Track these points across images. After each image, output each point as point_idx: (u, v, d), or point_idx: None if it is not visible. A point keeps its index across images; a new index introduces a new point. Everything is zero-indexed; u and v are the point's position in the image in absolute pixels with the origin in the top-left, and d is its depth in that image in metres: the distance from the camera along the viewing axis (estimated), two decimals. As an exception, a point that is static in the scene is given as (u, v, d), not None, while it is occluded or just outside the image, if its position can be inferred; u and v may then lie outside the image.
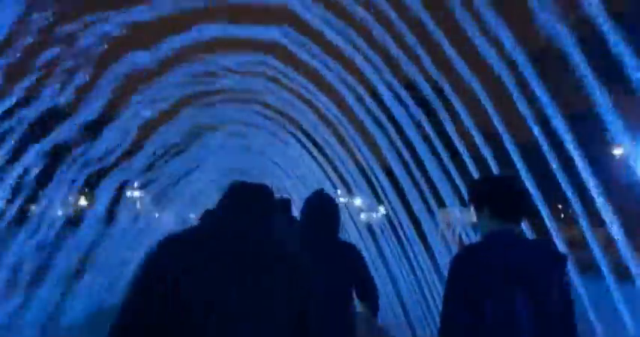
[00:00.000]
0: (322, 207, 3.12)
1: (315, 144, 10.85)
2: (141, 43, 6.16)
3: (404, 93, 6.55)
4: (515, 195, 2.15)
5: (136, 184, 13.85)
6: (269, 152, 13.12)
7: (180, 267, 1.73)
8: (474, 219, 2.22)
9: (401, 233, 9.03)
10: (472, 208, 2.22)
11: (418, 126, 6.57)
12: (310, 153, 11.18)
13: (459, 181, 6.32)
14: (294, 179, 13.21)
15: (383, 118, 7.55)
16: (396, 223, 9.11)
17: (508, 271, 1.94)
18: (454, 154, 6.28)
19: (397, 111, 6.73)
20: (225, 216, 1.91)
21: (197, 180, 13.83)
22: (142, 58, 6.26)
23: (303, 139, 11.07)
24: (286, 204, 6.04)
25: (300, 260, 1.91)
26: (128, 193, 12.98)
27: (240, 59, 7.71)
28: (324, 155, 10.78)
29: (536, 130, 4.62)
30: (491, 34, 4.52)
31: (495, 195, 2.15)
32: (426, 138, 6.59)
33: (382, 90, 6.69)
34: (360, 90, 7.37)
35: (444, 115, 5.94)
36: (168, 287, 1.69)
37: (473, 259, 2.03)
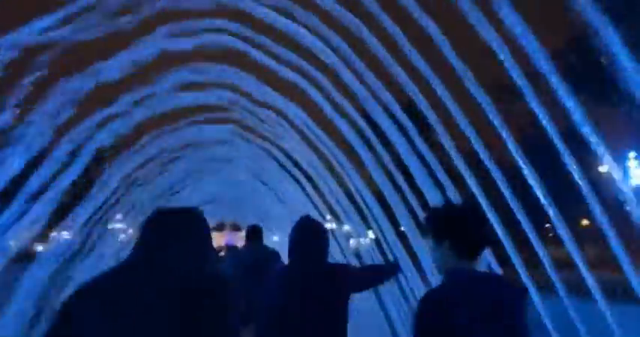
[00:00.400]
0: (310, 232, 3.04)
1: (299, 167, 10.03)
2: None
3: (396, 110, 5.76)
4: (480, 229, 1.96)
5: (118, 216, 12.94)
6: (250, 177, 12.25)
7: (87, 311, 1.66)
8: (432, 251, 2.01)
9: (391, 258, 8.29)
10: (430, 240, 2.01)
11: (412, 144, 5.81)
12: (293, 177, 10.36)
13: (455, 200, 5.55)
14: (278, 205, 12.35)
15: (372, 137, 6.75)
16: (385, 248, 8.38)
17: (485, 310, 1.83)
18: (453, 175, 5.51)
19: (388, 128, 5.95)
20: (139, 252, 1.78)
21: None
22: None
23: (286, 162, 10.25)
24: (257, 231, 5.72)
25: (220, 292, 1.75)
26: (110, 226, 11.97)
27: (213, 72, 6.86)
28: (309, 178, 9.97)
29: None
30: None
31: (460, 228, 1.94)
32: (420, 158, 5.83)
33: (371, 106, 5.91)
34: (347, 106, 6.56)
35: (442, 133, 5.19)
36: (74, 332, 1.65)
37: (445, 301, 1.86)
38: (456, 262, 1.92)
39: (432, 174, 5.74)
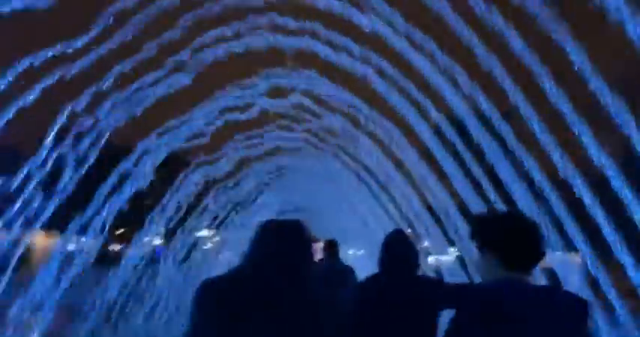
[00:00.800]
0: (398, 244, 2.99)
1: (376, 178, 9.33)
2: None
3: (493, 115, 4.84)
4: (527, 240, 1.75)
5: (205, 224, 13.23)
6: (324, 188, 11.77)
7: (212, 320, 1.75)
8: (479, 260, 1.82)
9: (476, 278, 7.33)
10: (475, 247, 1.82)
11: (512, 157, 4.89)
12: (370, 188, 9.67)
13: (566, 220, 4.55)
14: (354, 218, 11.72)
15: (460, 146, 5.85)
16: (471, 267, 7.43)
17: (528, 322, 1.60)
18: (563, 188, 4.51)
19: (482, 138, 5.08)
20: (254, 261, 1.87)
21: (254, 216, 12.74)
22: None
23: (362, 172, 9.60)
24: (333, 245, 5.63)
25: (325, 306, 1.84)
26: (198, 233, 12.17)
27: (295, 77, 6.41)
28: (386, 190, 9.23)
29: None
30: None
31: (503, 239, 1.76)
32: (522, 172, 4.89)
33: (464, 113, 5.08)
34: (432, 111, 5.72)
35: (548, 141, 4.26)
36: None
37: (483, 311, 1.63)
38: (503, 273, 1.76)
39: (533, 186, 4.78)
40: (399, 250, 2.92)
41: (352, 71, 5.36)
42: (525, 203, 5.10)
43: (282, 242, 1.86)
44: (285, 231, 1.90)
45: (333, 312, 1.84)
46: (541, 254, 1.77)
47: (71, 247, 6.78)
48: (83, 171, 5.46)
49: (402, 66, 5.28)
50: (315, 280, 1.90)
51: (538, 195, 4.89)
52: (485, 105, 4.73)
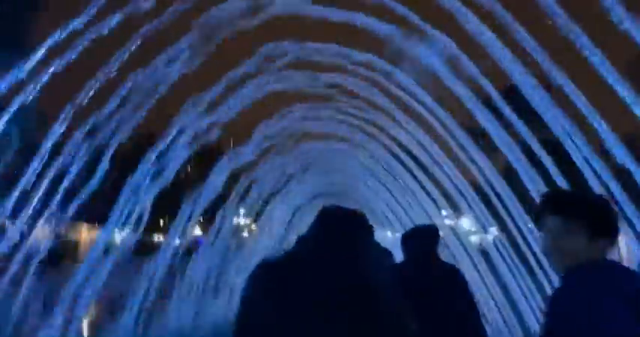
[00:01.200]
0: (418, 232, 3.16)
1: (411, 154, 8.60)
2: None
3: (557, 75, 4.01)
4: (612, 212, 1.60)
5: (242, 211, 12.96)
6: (359, 167, 11.13)
7: (269, 303, 1.70)
8: (551, 237, 1.56)
9: (528, 253, 6.73)
10: (552, 223, 1.56)
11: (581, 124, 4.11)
12: (406, 166, 8.98)
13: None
14: (390, 199, 11.08)
15: (513, 117, 5.04)
16: (521, 242, 6.81)
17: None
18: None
19: (538, 100, 4.32)
20: (313, 248, 1.81)
21: (288, 202, 12.26)
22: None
23: (396, 149, 8.87)
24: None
25: (387, 296, 1.74)
26: (235, 220, 11.89)
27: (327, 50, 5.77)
28: (424, 168, 8.51)
29: None
30: None
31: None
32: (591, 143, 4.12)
33: (519, 80, 4.30)
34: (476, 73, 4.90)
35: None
36: (260, 322, 1.70)
37: (594, 297, 1.45)
38: (595, 252, 1.56)
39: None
40: (413, 240, 3.05)
41: (390, 38, 4.65)
42: (592, 179, 4.33)
43: (344, 227, 1.81)
44: (345, 217, 1.85)
45: (393, 298, 1.75)
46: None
47: (109, 239, 6.53)
48: (106, 164, 5.10)
49: (443, 26, 4.55)
50: (375, 266, 1.83)
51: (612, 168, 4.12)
52: (544, 64, 3.92)
